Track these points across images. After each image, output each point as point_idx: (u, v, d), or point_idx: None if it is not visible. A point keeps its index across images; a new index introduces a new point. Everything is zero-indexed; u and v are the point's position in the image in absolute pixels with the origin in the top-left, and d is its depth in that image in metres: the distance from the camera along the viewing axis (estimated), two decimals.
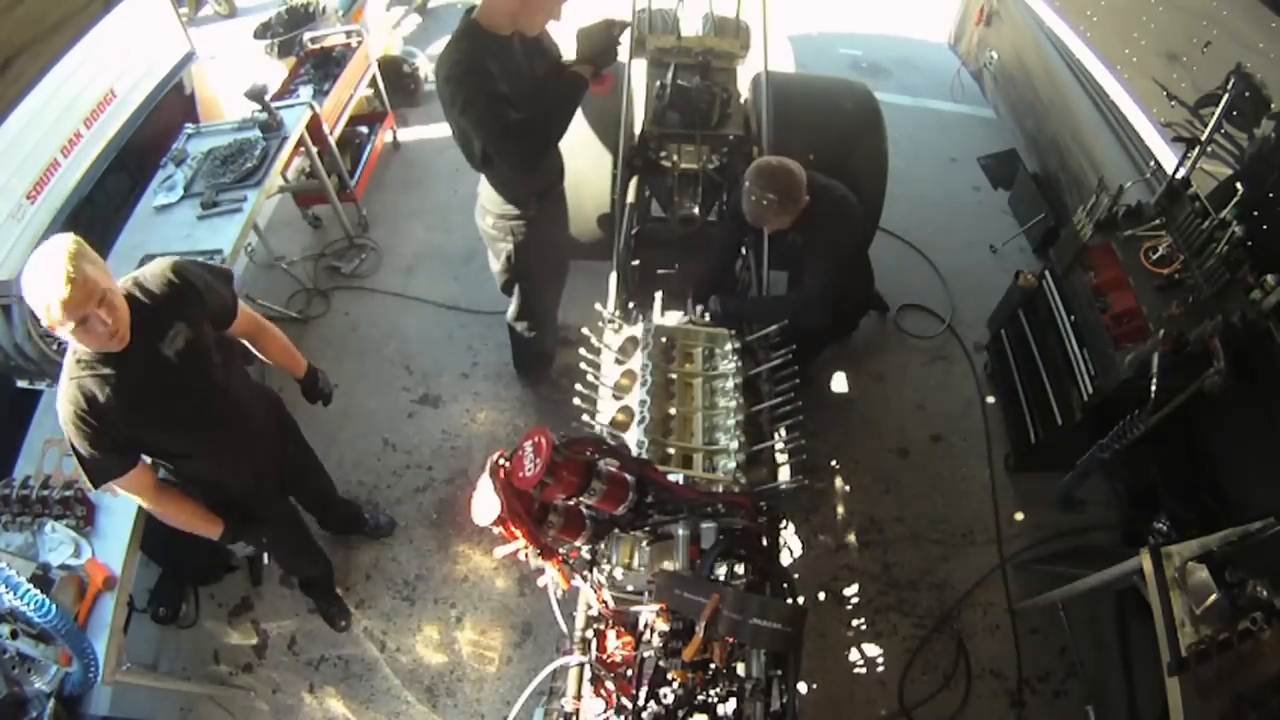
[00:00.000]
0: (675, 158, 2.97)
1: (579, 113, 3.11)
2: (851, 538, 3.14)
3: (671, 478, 1.70)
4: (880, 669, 2.79)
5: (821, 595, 2.97)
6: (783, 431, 2.13)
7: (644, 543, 1.69)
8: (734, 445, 1.97)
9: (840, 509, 3.22)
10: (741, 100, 3.20)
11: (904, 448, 3.42)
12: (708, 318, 2.51)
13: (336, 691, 2.74)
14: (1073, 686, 2.72)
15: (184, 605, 2.85)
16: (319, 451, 3.31)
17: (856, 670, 2.80)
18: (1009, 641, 2.84)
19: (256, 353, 2.19)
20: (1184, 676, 1.88)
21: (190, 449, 1.94)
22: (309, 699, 2.72)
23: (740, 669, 1.52)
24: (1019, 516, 3.19)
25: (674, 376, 2.17)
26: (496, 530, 1.43)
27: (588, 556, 1.69)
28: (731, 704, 1.51)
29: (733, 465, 1.93)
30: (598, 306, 2.39)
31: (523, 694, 1.77)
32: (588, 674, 1.70)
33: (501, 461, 1.41)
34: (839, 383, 3.66)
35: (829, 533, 3.14)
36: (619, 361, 2.21)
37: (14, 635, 1.90)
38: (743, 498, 1.69)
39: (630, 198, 3.02)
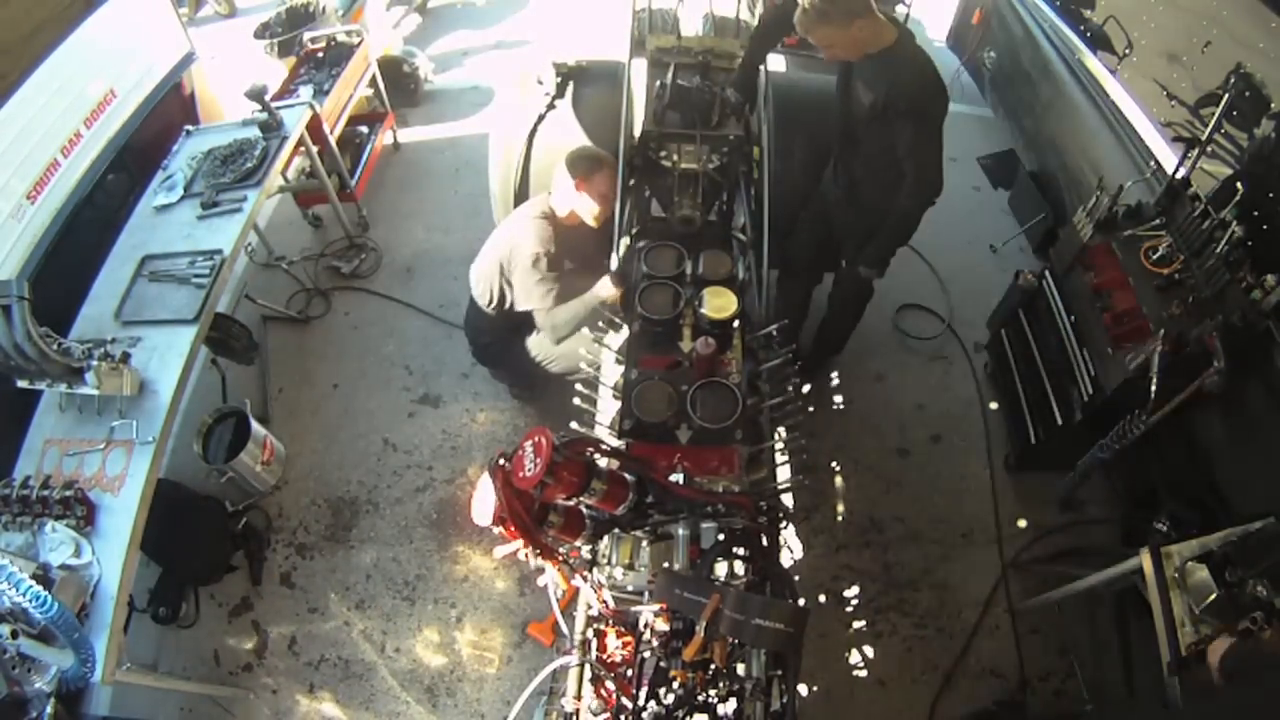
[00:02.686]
0: (675, 158, 2.96)
1: (577, 114, 3.15)
2: (851, 538, 3.14)
3: (671, 478, 1.70)
4: (880, 669, 2.79)
5: (822, 596, 2.97)
6: (783, 431, 2.14)
7: (644, 543, 1.69)
8: None
9: (840, 509, 3.22)
10: None
11: (904, 448, 3.42)
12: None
13: (336, 692, 2.74)
14: (1073, 686, 2.72)
15: (184, 605, 2.85)
16: (320, 451, 3.34)
17: (857, 670, 2.80)
18: (1009, 641, 2.85)
19: None
20: (1184, 676, 1.88)
21: None
22: (309, 699, 2.72)
23: (740, 669, 1.52)
24: (1019, 516, 3.19)
25: None
26: (496, 530, 1.43)
27: (588, 556, 1.69)
28: (732, 704, 1.51)
29: None
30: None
31: (523, 694, 1.77)
32: (588, 674, 1.70)
33: (501, 461, 1.41)
34: (839, 382, 3.67)
35: (829, 533, 3.14)
36: (619, 361, 2.21)
37: (15, 635, 1.90)
38: (743, 497, 1.69)
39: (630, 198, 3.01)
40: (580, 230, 2.79)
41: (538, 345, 2.99)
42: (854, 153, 2.71)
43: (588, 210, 2.72)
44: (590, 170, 2.66)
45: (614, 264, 2.63)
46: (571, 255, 2.76)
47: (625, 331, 2.26)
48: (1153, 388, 2.33)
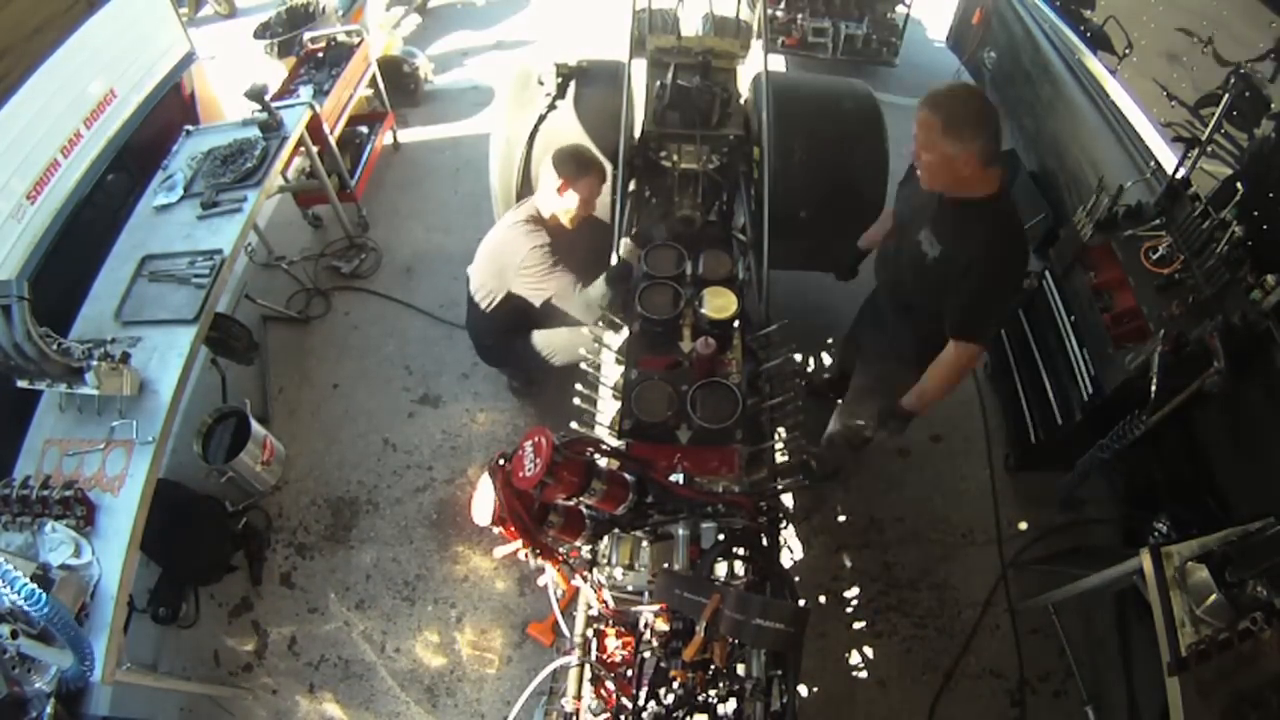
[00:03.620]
0: (675, 158, 2.96)
1: (577, 114, 3.15)
2: (851, 538, 3.13)
3: (671, 478, 1.70)
4: (880, 669, 2.79)
5: (822, 596, 2.97)
6: (782, 432, 2.14)
7: (644, 543, 1.69)
8: None
9: (840, 509, 3.22)
10: (741, 100, 3.20)
11: (904, 448, 3.42)
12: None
13: (336, 692, 2.74)
14: (1073, 686, 2.72)
15: (184, 605, 2.85)
16: (320, 451, 3.34)
17: (856, 671, 2.80)
18: (1009, 641, 2.85)
19: None
20: (1184, 676, 1.88)
21: None
22: (309, 699, 2.72)
23: (740, 669, 1.52)
24: (1019, 517, 3.19)
25: None
26: (496, 530, 1.44)
27: (588, 556, 1.69)
28: (731, 704, 1.51)
29: None
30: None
31: (523, 694, 1.77)
32: (588, 674, 1.70)
33: (501, 462, 1.41)
34: None
35: (829, 533, 3.14)
36: (619, 361, 2.21)
37: (14, 635, 1.90)
38: (743, 498, 1.69)
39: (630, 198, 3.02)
40: (566, 234, 2.80)
41: (541, 341, 2.99)
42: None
43: (565, 210, 2.74)
44: (577, 172, 2.67)
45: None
46: (560, 259, 2.75)
47: (625, 331, 2.26)
48: (1153, 388, 2.33)
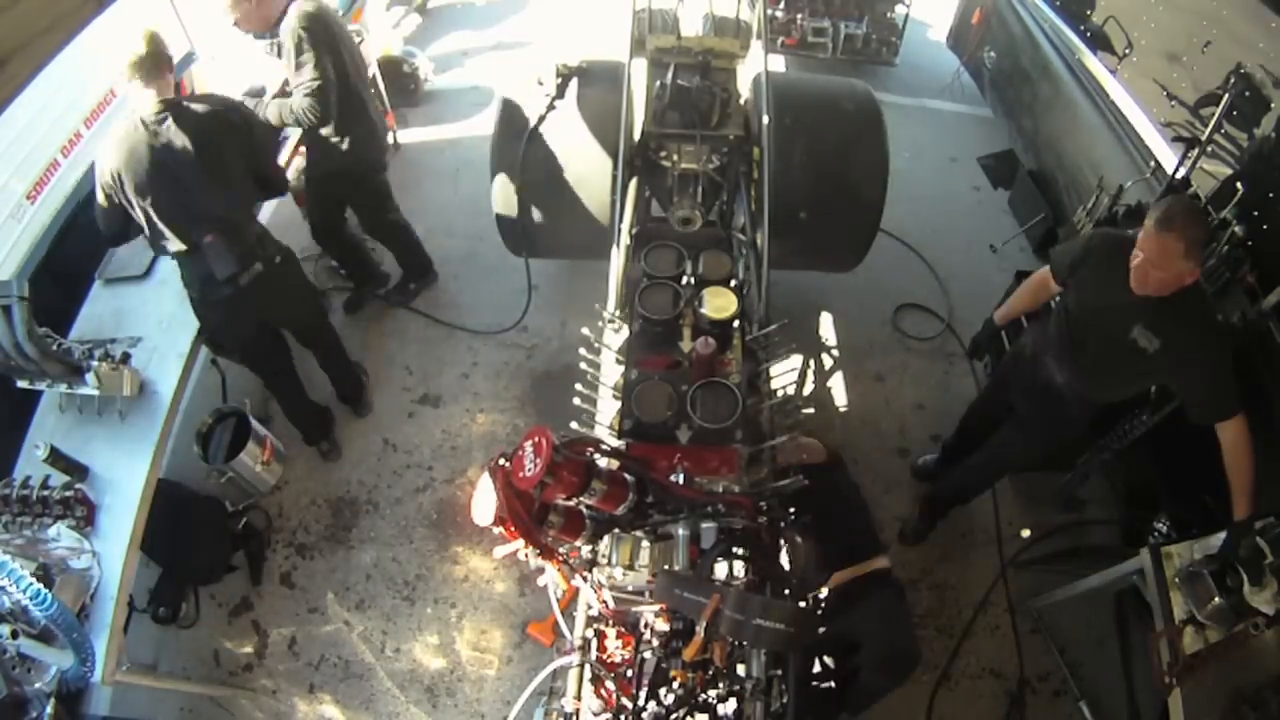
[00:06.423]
0: (675, 158, 2.96)
1: (578, 113, 3.15)
2: None
3: (671, 478, 1.70)
4: None
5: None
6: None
7: (644, 543, 1.69)
8: None
9: None
10: (741, 100, 3.20)
11: (904, 448, 3.42)
12: None
13: (336, 692, 2.74)
14: (1073, 686, 2.72)
15: (184, 605, 2.84)
16: (320, 451, 3.33)
17: None
18: (1009, 641, 2.84)
19: None
20: (1184, 678, 1.88)
21: None
22: (308, 699, 2.72)
23: (740, 669, 1.52)
24: (1019, 517, 3.19)
25: None
26: (496, 530, 1.44)
27: (588, 556, 1.69)
28: (731, 704, 1.51)
29: None
30: (597, 306, 2.40)
31: (523, 694, 1.77)
32: (588, 674, 1.70)
33: (501, 461, 1.41)
34: (839, 383, 3.66)
35: None
36: (619, 361, 2.21)
37: (14, 635, 1.90)
38: (743, 498, 1.69)
39: (630, 198, 3.01)
40: None
41: None
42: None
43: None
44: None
45: (612, 267, 2.62)
46: None
47: (624, 331, 2.26)
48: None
